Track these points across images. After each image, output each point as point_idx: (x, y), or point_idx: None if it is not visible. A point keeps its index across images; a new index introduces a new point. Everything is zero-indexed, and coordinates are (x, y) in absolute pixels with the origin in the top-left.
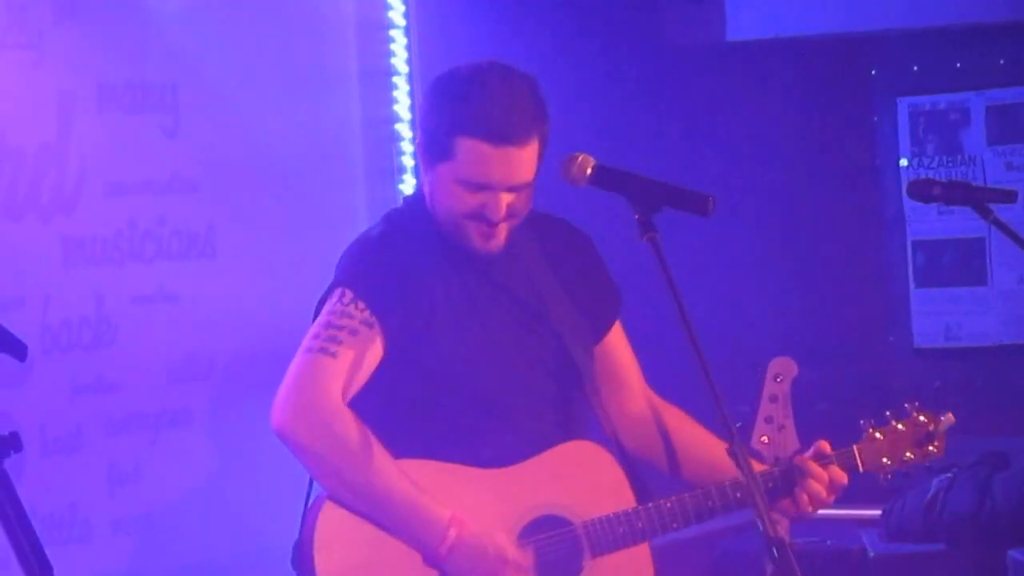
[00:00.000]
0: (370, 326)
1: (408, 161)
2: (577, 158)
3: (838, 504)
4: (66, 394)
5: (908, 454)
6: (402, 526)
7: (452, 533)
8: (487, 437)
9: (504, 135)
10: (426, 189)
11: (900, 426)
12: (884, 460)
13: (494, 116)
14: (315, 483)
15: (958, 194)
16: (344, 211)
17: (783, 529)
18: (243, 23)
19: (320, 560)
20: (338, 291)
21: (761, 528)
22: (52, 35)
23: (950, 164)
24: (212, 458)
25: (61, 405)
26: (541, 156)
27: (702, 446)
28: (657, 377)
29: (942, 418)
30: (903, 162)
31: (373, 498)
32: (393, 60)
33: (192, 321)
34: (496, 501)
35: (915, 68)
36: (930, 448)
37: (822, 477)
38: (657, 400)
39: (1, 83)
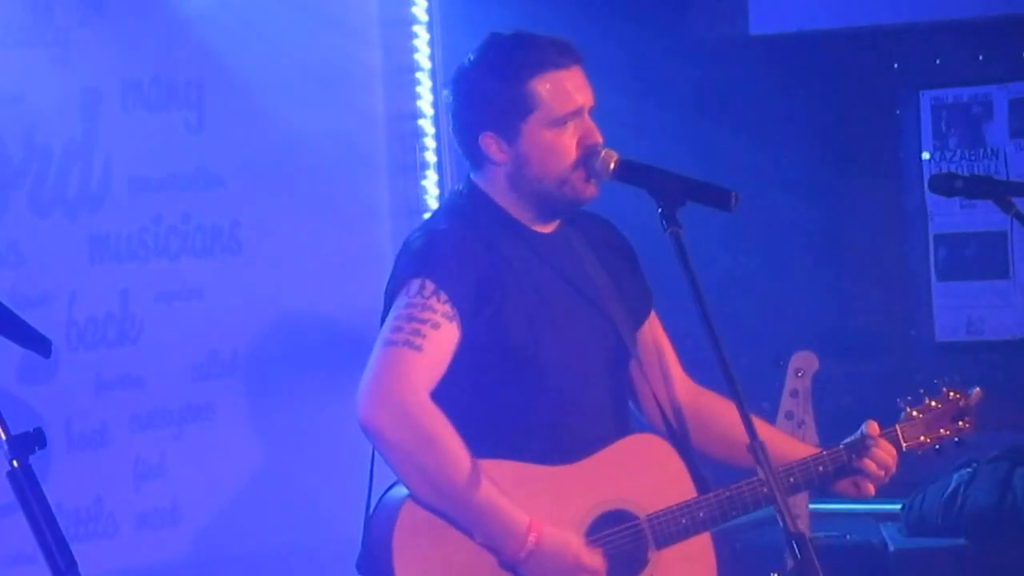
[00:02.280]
0: (451, 319)
1: (431, 157)
2: (600, 152)
3: (858, 498)
4: (91, 390)
5: (943, 431)
6: (482, 528)
7: (532, 539)
8: (555, 426)
9: (566, 56)
10: (502, 170)
11: (935, 404)
12: (922, 438)
13: (547, 47)
14: (373, 485)
15: (980, 188)
16: (367, 207)
17: (803, 524)
18: (267, 20)
19: (400, 563)
20: (417, 282)
21: (782, 523)
22: (77, 33)
23: (972, 158)
24: (236, 453)
25: (87, 401)
26: None
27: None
28: None
29: (971, 393)
30: (925, 155)
31: (455, 498)
32: (416, 56)
33: (217, 317)
34: (565, 499)
35: (937, 61)
36: (961, 424)
37: (890, 449)
38: (697, 387)
39: (27, 81)
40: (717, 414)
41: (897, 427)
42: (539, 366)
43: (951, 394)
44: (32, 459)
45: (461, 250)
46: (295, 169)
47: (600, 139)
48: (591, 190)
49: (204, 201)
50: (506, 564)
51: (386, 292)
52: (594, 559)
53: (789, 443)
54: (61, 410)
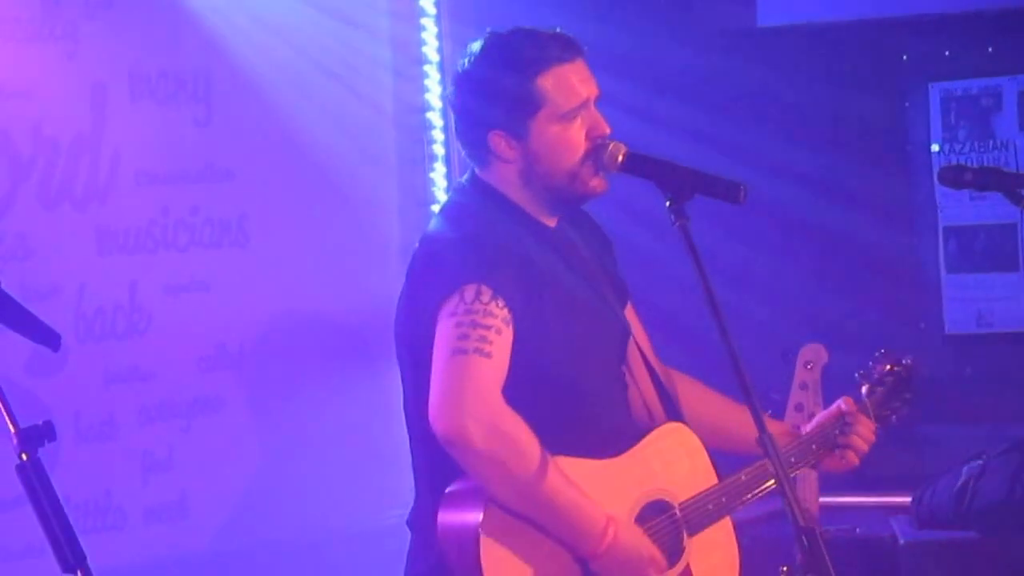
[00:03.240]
0: (508, 323)
1: (439, 149)
2: (609, 145)
3: (867, 491)
4: (100, 382)
5: (895, 403)
6: (563, 527)
7: (610, 533)
8: (590, 417)
9: (568, 50)
10: (511, 167)
11: (886, 378)
12: (884, 412)
13: (549, 42)
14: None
15: (990, 180)
16: (375, 200)
17: (812, 517)
18: (275, 13)
19: (489, 567)
20: (472, 288)
21: (790, 516)
22: (86, 26)
23: (982, 149)
24: (244, 445)
25: (95, 393)
26: None
27: (725, 410)
28: (686, 366)
29: (904, 363)
30: (934, 148)
31: (540, 501)
32: (425, 49)
33: (225, 309)
34: (616, 491)
35: (947, 53)
36: (907, 395)
37: (868, 423)
38: (672, 371)
39: (36, 74)
40: (697, 398)
41: (867, 402)
42: (571, 359)
43: (893, 367)
44: (41, 451)
45: (503, 251)
46: (303, 162)
47: (608, 130)
48: (601, 184)
49: (212, 194)
50: (580, 559)
51: (426, 298)
52: (656, 551)
53: (773, 426)
54: (69, 402)
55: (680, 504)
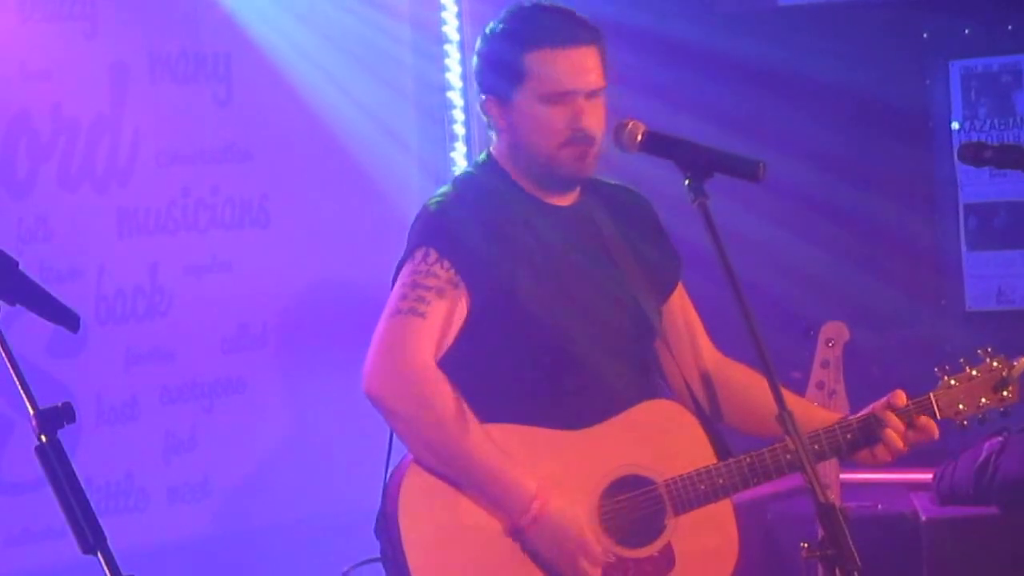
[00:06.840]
0: (455, 285)
1: (460, 129)
2: (627, 124)
3: (889, 468)
4: (121, 364)
5: (983, 400)
6: (487, 494)
7: (536, 505)
8: (570, 394)
9: (565, 37)
10: (504, 138)
11: (974, 372)
12: (960, 407)
13: (551, 25)
14: (391, 452)
15: (1010, 157)
16: (396, 179)
17: (834, 494)
18: None
19: (405, 527)
20: (421, 251)
21: (812, 492)
22: (105, 6)
23: (1002, 127)
24: (266, 426)
25: (116, 375)
26: (605, 67)
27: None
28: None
29: (1015, 363)
30: (955, 125)
31: (460, 464)
32: (445, 28)
33: (246, 290)
34: (578, 463)
35: (967, 31)
36: (1004, 394)
37: (899, 428)
38: (724, 358)
39: (55, 54)
40: (744, 385)
41: (931, 395)
42: (551, 334)
43: (994, 363)
44: (62, 433)
45: (466, 218)
46: (324, 142)
47: (587, 125)
48: (583, 167)
49: (233, 174)
50: (510, 531)
51: (396, 266)
52: (600, 547)
53: (818, 413)
54: (91, 384)
55: (665, 481)
